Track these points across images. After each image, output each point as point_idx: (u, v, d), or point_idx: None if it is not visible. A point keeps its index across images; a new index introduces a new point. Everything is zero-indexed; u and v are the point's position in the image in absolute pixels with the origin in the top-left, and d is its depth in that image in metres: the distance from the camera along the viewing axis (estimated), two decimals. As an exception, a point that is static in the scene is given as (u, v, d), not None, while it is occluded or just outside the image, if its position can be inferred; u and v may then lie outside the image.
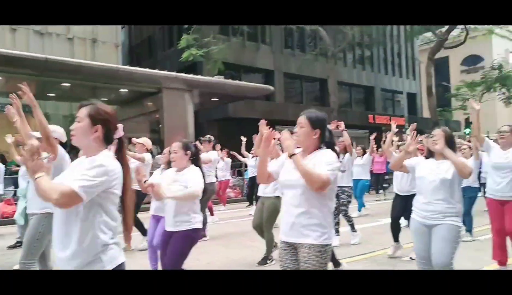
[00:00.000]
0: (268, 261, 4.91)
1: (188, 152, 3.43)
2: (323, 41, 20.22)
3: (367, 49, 26.53)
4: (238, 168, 14.15)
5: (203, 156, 9.36)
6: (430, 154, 3.36)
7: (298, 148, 2.49)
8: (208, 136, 6.96)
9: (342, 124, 5.49)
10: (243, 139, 9.25)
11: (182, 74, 12.38)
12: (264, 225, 4.90)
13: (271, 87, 15.07)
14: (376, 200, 11.82)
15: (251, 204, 10.09)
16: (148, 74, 11.91)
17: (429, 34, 24.83)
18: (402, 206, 5.13)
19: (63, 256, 1.78)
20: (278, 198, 4.56)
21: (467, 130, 22.75)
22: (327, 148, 2.46)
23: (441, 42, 21.79)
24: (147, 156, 5.81)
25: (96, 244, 1.77)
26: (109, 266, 1.80)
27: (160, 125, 12.94)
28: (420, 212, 3.25)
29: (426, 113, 25.37)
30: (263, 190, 4.96)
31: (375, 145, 10.48)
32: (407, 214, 4.45)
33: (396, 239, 5.24)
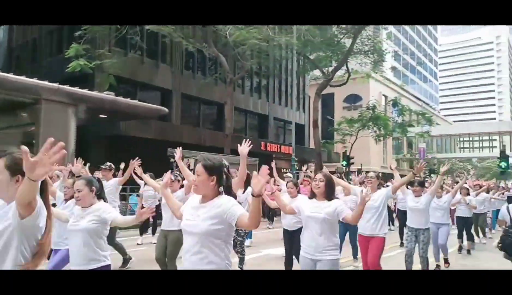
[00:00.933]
0: None
1: (93, 188, 3.34)
2: (223, 67, 20.81)
3: (264, 78, 28.05)
4: (122, 192, 13.43)
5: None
6: (313, 195, 3.81)
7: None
8: (108, 164, 6.82)
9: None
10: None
11: (65, 87, 11.35)
12: (168, 260, 4.94)
13: (165, 109, 14.77)
14: (268, 227, 12.25)
15: (141, 234, 9.58)
16: (23, 83, 10.66)
17: (318, 72, 27.39)
18: (290, 241, 5.50)
19: None
20: (181, 231, 4.58)
21: (344, 162, 25.40)
22: (226, 192, 2.52)
23: (327, 81, 24.21)
24: None
25: None
26: None
27: (34, 141, 11.65)
28: (306, 247, 3.68)
29: (312, 144, 27.61)
30: (168, 224, 4.99)
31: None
32: (295, 246, 5.03)
33: None
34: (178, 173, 6.15)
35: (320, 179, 3.76)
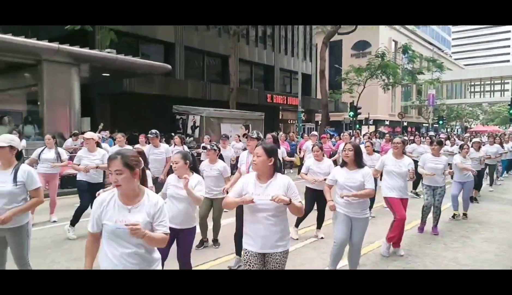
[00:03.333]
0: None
1: (188, 162, 3.79)
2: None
3: (269, 28, 27.12)
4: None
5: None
6: (344, 163, 4.24)
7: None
8: (154, 131, 7.08)
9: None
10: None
11: (65, 46, 11.13)
12: (216, 221, 5.55)
13: (169, 66, 14.49)
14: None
15: None
16: (22, 44, 10.46)
17: (324, 19, 26.30)
18: (313, 199, 5.97)
19: None
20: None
21: (351, 113, 25.15)
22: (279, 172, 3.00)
23: (335, 29, 23.33)
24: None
25: None
26: None
27: (39, 102, 11.66)
28: (344, 208, 4.17)
29: (319, 95, 27.22)
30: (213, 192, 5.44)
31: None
32: (319, 204, 5.92)
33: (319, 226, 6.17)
34: (214, 143, 6.25)
35: (349, 149, 4.14)
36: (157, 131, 7.09)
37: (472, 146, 8.50)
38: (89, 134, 6.22)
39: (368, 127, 32.97)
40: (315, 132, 12.06)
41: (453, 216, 7.46)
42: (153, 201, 2.31)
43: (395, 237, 5.26)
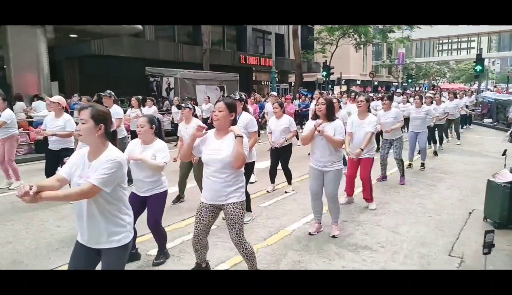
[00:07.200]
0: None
1: (153, 126, 3.67)
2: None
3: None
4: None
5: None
6: (316, 116, 4.32)
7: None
8: (108, 91, 6.92)
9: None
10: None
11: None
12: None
13: (140, 26, 14.01)
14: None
15: None
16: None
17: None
18: (277, 157, 6.32)
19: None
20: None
21: (324, 73, 25.36)
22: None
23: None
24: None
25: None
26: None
27: (5, 66, 11.16)
28: (316, 162, 4.33)
29: (292, 55, 27.13)
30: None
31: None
32: (282, 159, 6.25)
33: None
34: (188, 102, 6.10)
35: (322, 103, 4.23)
36: (111, 92, 6.89)
37: (424, 101, 8.67)
38: (55, 98, 5.71)
39: (341, 87, 33.44)
40: (274, 93, 12.29)
41: (409, 165, 7.93)
42: (103, 158, 2.21)
43: (348, 191, 5.69)
